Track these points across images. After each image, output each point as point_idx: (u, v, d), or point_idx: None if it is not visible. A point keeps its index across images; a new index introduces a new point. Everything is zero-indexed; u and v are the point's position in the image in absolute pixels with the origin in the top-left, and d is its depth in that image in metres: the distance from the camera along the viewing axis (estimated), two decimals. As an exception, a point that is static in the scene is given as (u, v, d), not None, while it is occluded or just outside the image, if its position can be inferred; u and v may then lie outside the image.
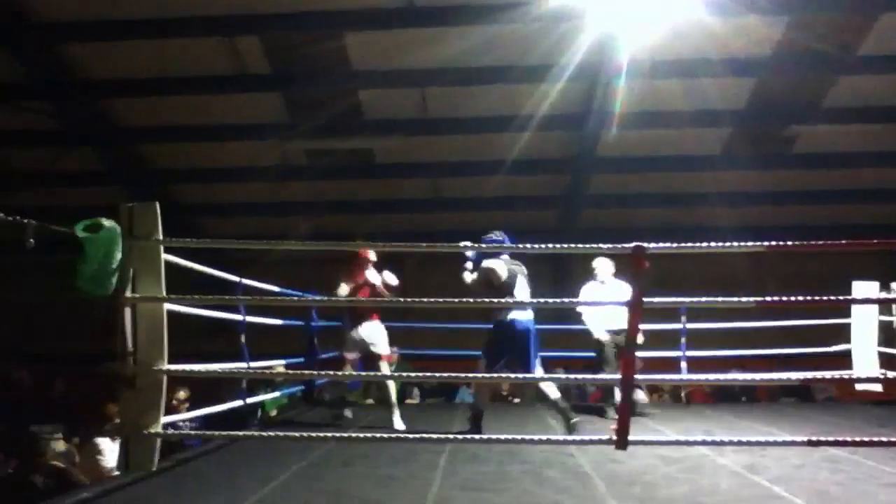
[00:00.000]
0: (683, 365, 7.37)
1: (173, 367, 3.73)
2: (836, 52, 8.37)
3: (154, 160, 10.95)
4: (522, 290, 5.52)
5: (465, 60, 8.39)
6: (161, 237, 3.77)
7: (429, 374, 4.17)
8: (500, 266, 5.38)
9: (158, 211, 3.75)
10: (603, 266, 6.62)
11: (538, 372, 5.52)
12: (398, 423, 5.92)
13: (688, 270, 10.83)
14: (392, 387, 6.08)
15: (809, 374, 5.57)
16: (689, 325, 7.52)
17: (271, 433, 5.16)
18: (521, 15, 7.56)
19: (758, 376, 5.44)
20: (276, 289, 6.24)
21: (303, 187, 11.05)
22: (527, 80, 8.79)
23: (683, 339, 7.46)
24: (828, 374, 6.67)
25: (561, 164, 10.61)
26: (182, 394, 8.18)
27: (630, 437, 3.43)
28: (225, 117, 9.88)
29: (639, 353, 6.31)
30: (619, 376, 3.57)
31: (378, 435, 4.40)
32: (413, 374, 6.67)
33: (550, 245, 3.84)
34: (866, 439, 4.14)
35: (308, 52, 8.99)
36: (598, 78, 8.58)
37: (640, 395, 7.14)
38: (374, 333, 6.24)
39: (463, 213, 11.44)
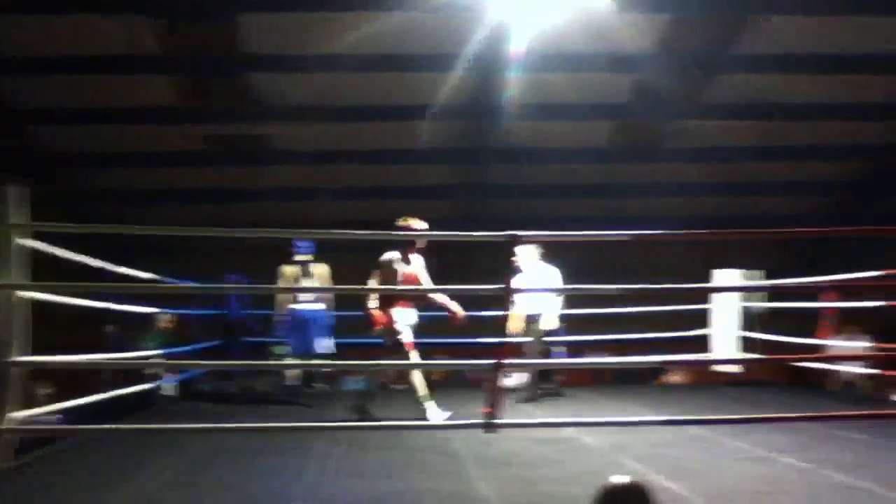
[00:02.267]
0: (561, 349, 7.60)
1: (27, 358, 3.57)
2: (713, 51, 8.80)
3: (49, 144, 10.37)
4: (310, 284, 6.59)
5: (365, 48, 8.34)
6: (25, 221, 3.59)
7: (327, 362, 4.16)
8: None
9: (20, 194, 3.56)
10: (524, 254, 6.44)
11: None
12: (434, 415, 5.48)
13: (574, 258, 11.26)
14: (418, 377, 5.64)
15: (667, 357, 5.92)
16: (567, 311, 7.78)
17: (135, 426, 5.02)
18: (420, 3, 7.59)
19: (625, 359, 5.71)
20: (147, 275, 5.97)
21: (201, 174, 10.78)
22: (425, 70, 8.84)
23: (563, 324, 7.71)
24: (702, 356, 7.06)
25: (459, 153, 10.74)
26: (45, 387, 7.75)
27: (499, 421, 3.52)
28: (120, 100, 9.46)
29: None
30: (492, 361, 3.65)
31: (259, 425, 4.36)
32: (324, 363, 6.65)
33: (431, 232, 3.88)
34: (720, 417, 4.42)
35: (203, 33, 8.73)
36: (493, 69, 8.72)
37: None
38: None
39: (360, 201, 11.41)
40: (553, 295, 6.52)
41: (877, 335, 8.74)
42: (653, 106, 9.78)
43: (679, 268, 9.91)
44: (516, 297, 6.53)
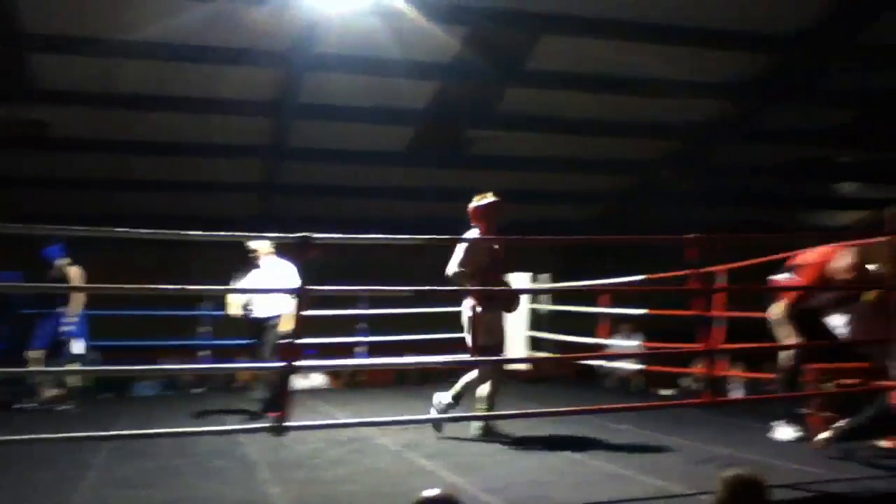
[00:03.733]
0: (361, 350, 7.70)
1: None
2: (507, 64, 9.24)
3: None
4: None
5: (159, 36, 7.89)
6: None
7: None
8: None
9: None
10: (260, 248, 6.01)
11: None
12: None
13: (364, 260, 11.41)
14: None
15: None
16: (366, 312, 7.91)
17: None
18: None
19: (424, 359, 5.86)
20: None
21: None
22: (223, 62, 8.50)
23: (363, 325, 7.82)
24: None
25: (256, 150, 10.47)
26: None
27: (288, 424, 3.50)
28: None
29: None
30: (282, 364, 3.61)
31: (28, 437, 4.01)
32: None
33: (201, 233, 3.76)
34: (505, 413, 4.68)
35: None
36: (292, 67, 8.60)
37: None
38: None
39: (150, 193, 10.82)
40: (290, 296, 5.92)
41: (647, 334, 9.64)
42: (451, 114, 10.10)
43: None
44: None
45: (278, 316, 5.97)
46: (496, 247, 5.18)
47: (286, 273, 5.88)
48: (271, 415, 3.51)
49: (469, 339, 5.07)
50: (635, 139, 11.00)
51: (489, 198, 5.29)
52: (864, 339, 4.60)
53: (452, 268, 5.04)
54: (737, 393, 7.59)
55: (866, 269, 4.60)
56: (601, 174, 11.92)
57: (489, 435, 5.01)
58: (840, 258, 4.61)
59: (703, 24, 8.52)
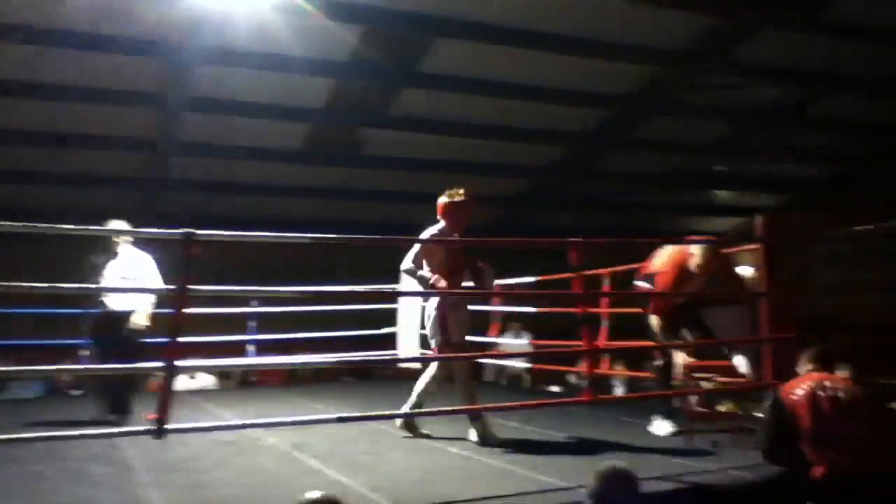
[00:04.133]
0: (251, 349, 7.57)
1: None
2: (403, 65, 9.28)
3: None
4: None
5: (35, 20, 7.49)
6: None
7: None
8: None
9: None
10: (118, 238, 5.63)
11: None
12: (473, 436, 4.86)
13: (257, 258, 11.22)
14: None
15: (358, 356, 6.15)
16: (259, 309, 7.79)
17: None
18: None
19: (310, 358, 5.80)
20: None
21: None
22: (110, 51, 8.13)
23: (253, 324, 7.69)
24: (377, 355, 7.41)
25: (144, 144, 10.07)
26: None
27: (168, 426, 3.39)
28: None
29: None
30: (162, 364, 3.49)
31: None
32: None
33: (72, 227, 3.58)
34: (388, 412, 4.71)
35: None
36: (182, 59, 8.33)
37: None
38: None
39: (25, 186, 10.25)
40: (147, 291, 5.72)
41: (536, 334, 9.88)
42: (346, 113, 10.05)
43: (366, 270, 10.35)
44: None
45: (132, 311, 5.61)
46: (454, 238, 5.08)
47: (144, 266, 5.64)
48: (149, 417, 3.38)
49: (437, 338, 4.93)
50: (526, 144, 11.26)
51: (460, 196, 5.17)
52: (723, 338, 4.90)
53: (407, 263, 4.97)
54: (619, 390, 7.91)
55: (720, 266, 4.90)
56: (493, 178, 12.11)
57: (411, 431, 5.01)
58: (692, 258, 4.86)
59: (591, 35, 8.82)
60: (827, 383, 3.53)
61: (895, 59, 9.74)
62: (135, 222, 5.33)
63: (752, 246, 5.42)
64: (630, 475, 2.67)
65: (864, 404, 3.45)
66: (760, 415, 7.84)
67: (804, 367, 3.76)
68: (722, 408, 5.93)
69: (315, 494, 2.44)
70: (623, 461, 3.13)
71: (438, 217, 5.12)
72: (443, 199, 5.14)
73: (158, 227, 4.09)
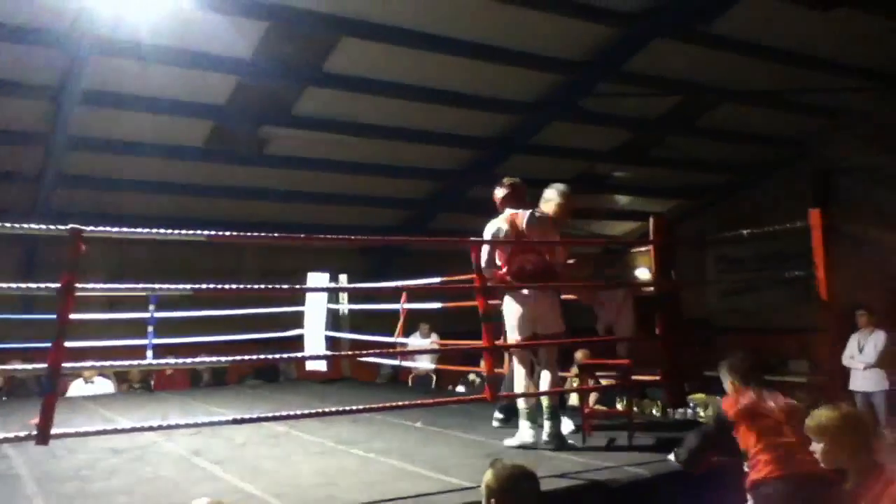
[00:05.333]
0: (149, 353, 7.35)
1: None
2: (306, 64, 9.18)
3: None
4: None
5: None
6: None
7: None
8: None
9: None
10: None
11: None
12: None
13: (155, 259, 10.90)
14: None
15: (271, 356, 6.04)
16: (158, 314, 7.57)
17: None
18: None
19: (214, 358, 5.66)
20: None
21: None
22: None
23: (151, 328, 7.47)
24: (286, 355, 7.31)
25: (32, 137, 9.58)
26: None
27: (54, 431, 3.25)
28: None
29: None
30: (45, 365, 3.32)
31: None
32: None
33: None
34: (285, 413, 4.67)
35: None
36: (76, 51, 7.97)
37: None
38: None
39: None
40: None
41: (442, 334, 9.98)
42: (249, 111, 9.85)
43: (274, 271, 10.22)
44: None
45: None
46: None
47: None
48: (31, 422, 3.23)
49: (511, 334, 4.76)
50: (431, 147, 11.31)
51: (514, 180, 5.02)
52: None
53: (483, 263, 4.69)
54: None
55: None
56: (398, 179, 12.15)
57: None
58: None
59: (495, 42, 8.98)
60: (764, 398, 3.73)
61: (780, 73, 10.33)
62: (23, 219, 5.08)
63: (646, 248, 5.63)
64: (530, 474, 2.74)
65: (796, 415, 3.61)
66: (656, 413, 8.20)
67: (729, 381, 3.94)
68: (619, 405, 6.16)
69: (202, 501, 2.40)
70: (522, 459, 3.21)
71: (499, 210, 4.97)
72: (500, 190, 4.99)
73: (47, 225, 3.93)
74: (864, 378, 7.87)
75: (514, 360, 4.85)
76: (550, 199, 5.08)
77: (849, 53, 10.07)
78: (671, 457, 4.03)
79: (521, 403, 4.64)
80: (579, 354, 6.66)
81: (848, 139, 11.90)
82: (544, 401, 4.60)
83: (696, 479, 3.92)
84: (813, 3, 8.77)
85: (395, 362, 9.09)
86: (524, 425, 4.63)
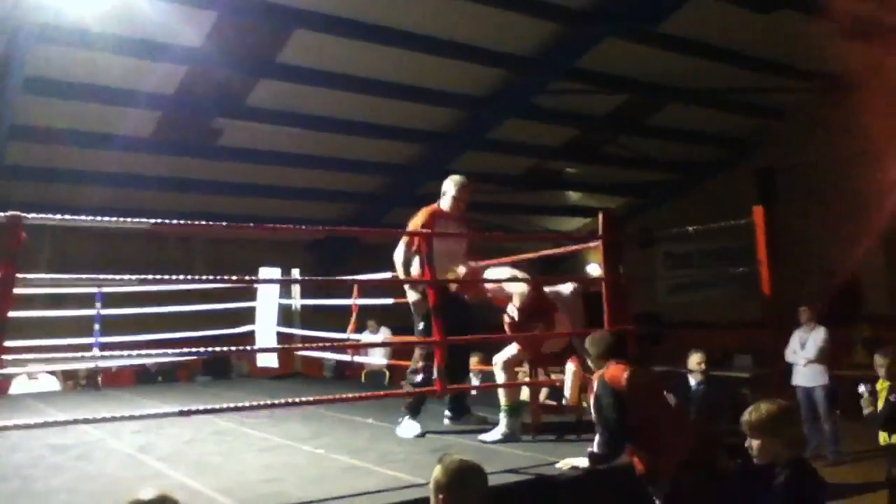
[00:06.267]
0: (96, 351, 7.22)
1: None
2: (258, 55, 9.07)
3: None
4: None
5: None
6: None
7: None
8: None
9: None
10: None
11: None
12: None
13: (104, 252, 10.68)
14: None
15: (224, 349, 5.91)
16: (105, 312, 7.44)
17: None
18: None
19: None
20: None
21: None
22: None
23: (97, 326, 7.34)
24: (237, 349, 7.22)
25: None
26: None
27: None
28: None
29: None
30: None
31: None
32: None
33: None
34: (231, 405, 4.62)
35: None
36: (16, 37, 7.74)
37: None
38: None
39: None
40: None
41: (392, 329, 9.96)
42: (201, 102, 9.70)
43: (224, 264, 10.07)
44: None
45: None
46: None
47: None
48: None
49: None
50: (382, 141, 11.31)
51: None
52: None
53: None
54: (475, 382, 8.07)
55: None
56: (349, 173, 12.11)
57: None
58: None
59: (448, 37, 9.02)
60: (639, 373, 3.75)
61: (726, 73, 10.56)
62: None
63: (595, 244, 5.69)
64: (477, 468, 2.76)
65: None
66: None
67: (599, 360, 3.86)
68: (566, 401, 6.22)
69: (149, 493, 2.37)
70: (471, 454, 3.24)
71: None
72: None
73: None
74: (805, 373, 8.07)
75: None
76: (446, 191, 5.13)
77: (790, 54, 10.34)
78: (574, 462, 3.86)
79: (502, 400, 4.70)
80: (475, 359, 6.75)
81: (790, 138, 12.25)
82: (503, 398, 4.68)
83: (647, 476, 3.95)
84: (755, 5, 8.99)
85: (347, 357, 9.06)
86: (502, 417, 4.69)
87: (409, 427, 4.92)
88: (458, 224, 5.14)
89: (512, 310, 4.73)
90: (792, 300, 8.35)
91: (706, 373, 6.89)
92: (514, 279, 4.84)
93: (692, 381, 6.91)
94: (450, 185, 5.16)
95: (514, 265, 5.35)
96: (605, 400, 3.66)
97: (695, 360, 6.89)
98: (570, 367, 4.52)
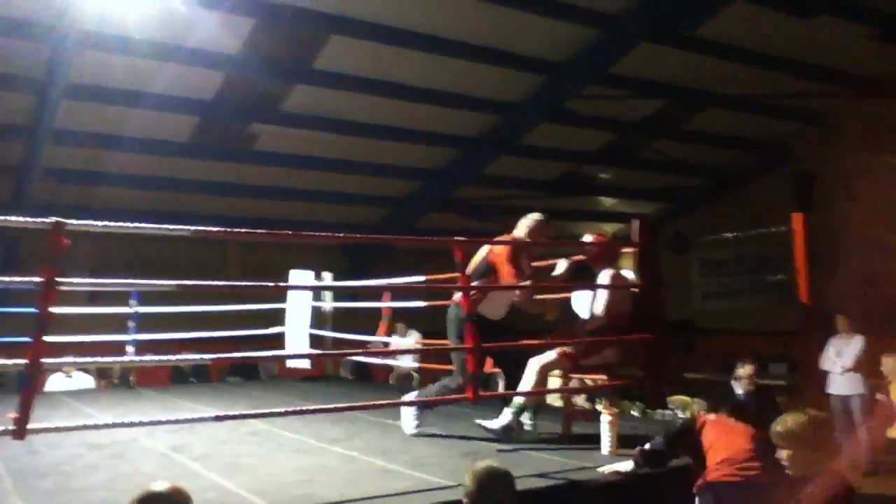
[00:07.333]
0: (130, 349, 7.32)
1: None
2: (295, 61, 9.18)
3: None
4: None
5: None
6: None
7: None
8: None
9: None
10: None
11: None
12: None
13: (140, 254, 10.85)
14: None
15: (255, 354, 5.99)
16: (142, 309, 7.55)
17: None
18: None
19: (201, 356, 5.65)
20: None
21: None
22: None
23: (132, 324, 7.44)
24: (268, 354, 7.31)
25: (15, 130, 9.52)
26: None
27: (31, 426, 3.23)
28: None
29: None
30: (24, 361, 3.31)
31: None
32: None
33: None
34: (268, 411, 4.67)
35: None
36: (61, 44, 7.93)
37: None
38: None
39: None
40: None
41: (423, 332, 9.97)
42: (238, 107, 9.84)
43: (258, 267, 10.18)
44: None
45: None
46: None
47: None
48: (8, 417, 3.22)
49: None
50: (417, 146, 11.35)
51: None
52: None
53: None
54: (502, 388, 8.07)
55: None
56: (383, 178, 12.17)
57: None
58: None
59: (484, 43, 9.04)
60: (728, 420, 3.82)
61: (764, 78, 10.42)
62: (6, 212, 5.04)
63: (631, 249, 5.65)
64: (506, 474, 2.76)
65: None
66: (636, 413, 8.25)
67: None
68: (599, 406, 6.19)
69: (161, 485, 2.40)
70: (500, 460, 3.23)
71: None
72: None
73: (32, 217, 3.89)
74: (841, 382, 7.91)
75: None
76: (521, 226, 5.13)
77: (830, 58, 10.18)
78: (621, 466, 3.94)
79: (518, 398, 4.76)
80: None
81: (830, 143, 12.02)
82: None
83: (671, 480, 3.94)
84: (795, 10, 8.86)
85: (378, 360, 9.10)
86: (507, 411, 4.72)
87: (409, 420, 5.03)
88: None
89: (600, 312, 4.81)
90: (829, 308, 8.21)
91: (756, 383, 6.77)
92: (632, 285, 5.00)
93: (738, 389, 6.79)
94: (526, 222, 5.10)
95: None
96: (683, 427, 3.86)
97: (745, 370, 6.77)
98: (605, 418, 4.46)
